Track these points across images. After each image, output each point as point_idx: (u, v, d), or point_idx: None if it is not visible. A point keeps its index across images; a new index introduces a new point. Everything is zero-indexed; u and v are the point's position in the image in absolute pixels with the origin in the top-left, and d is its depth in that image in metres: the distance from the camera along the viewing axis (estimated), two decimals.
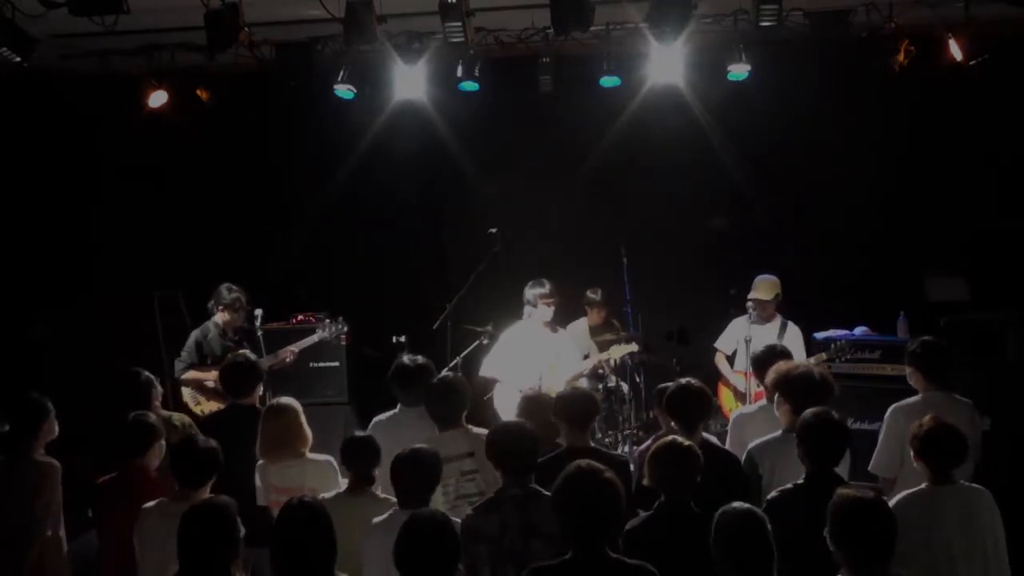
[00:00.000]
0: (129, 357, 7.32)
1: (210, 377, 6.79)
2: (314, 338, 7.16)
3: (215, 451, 4.38)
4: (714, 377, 7.10)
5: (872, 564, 3.39)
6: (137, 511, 4.35)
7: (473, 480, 4.70)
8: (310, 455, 4.87)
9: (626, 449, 6.93)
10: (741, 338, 6.82)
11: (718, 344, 7.17)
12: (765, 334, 6.66)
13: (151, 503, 4.34)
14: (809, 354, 6.72)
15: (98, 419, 5.30)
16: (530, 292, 6.99)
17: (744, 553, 3.40)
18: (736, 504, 3.53)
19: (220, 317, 6.95)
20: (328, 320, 7.27)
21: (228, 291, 6.96)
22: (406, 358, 5.35)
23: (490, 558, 3.93)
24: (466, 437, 4.87)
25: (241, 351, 6.24)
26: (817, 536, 3.52)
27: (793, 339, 6.76)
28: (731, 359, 7.09)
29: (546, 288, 6.95)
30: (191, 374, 6.85)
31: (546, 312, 6.96)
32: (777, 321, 6.89)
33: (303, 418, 4.94)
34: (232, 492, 3.90)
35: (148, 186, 8.44)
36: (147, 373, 5.65)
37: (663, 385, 5.15)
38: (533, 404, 5.11)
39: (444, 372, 7.08)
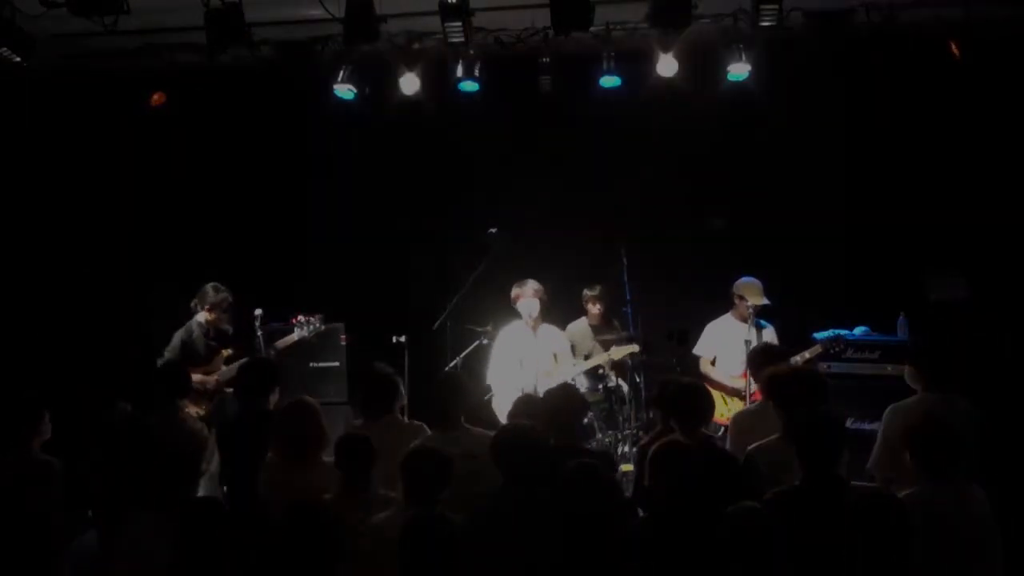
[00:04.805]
0: (127, 354, 7.39)
1: (196, 379, 6.77)
2: (293, 337, 7.14)
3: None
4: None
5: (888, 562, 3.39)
6: None
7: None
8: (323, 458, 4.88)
9: (626, 449, 6.93)
10: (728, 340, 6.84)
11: (700, 351, 7.17)
12: (747, 334, 6.71)
13: None
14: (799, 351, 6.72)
15: (98, 416, 5.31)
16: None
17: (751, 552, 3.40)
18: (742, 504, 3.54)
19: (204, 316, 6.92)
20: (304, 319, 7.23)
21: (215, 291, 6.94)
22: (376, 367, 5.38)
23: None
24: (468, 437, 4.86)
25: (260, 354, 6.37)
26: (811, 537, 3.52)
27: (769, 338, 6.81)
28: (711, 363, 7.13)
29: (521, 288, 7.10)
30: None
31: (523, 309, 7.04)
32: (752, 321, 6.91)
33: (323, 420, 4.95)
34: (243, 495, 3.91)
35: (148, 185, 8.44)
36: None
37: (662, 381, 5.14)
38: (527, 406, 5.08)
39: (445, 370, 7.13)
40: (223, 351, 6.94)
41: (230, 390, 6.55)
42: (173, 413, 5.62)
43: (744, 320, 6.89)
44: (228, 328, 7.02)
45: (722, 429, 6.37)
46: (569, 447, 4.69)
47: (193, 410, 6.77)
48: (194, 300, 6.97)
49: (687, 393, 4.82)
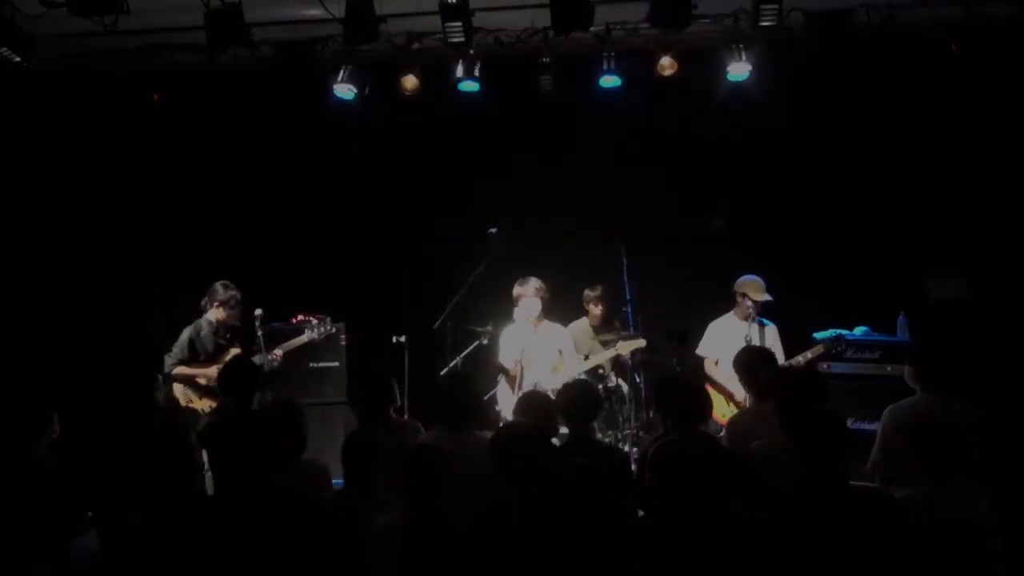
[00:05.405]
0: (126, 354, 7.39)
1: (201, 374, 6.80)
2: (303, 339, 7.17)
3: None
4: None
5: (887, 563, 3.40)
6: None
7: None
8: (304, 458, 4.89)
9: (626, 449, 6.93)
10: (731, 339, 6.84)
11: (703, 352, 7.16)
12: (754, 334, 6.72)
13: None
14: (800, 351, 6.73)
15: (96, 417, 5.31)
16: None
17: (750, 552, 3.40)
18: (741, 504, 3.54)
19: (214, 314, 6.96)
20: (315, 320, 7.26)
21: (224, 288, 6.98)
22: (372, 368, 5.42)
23: None
24: (475, 438, 4.86)
25: (261, 353, 6.44)
26: (811, 538, 3.52)
27: (772, 336, 6.80)
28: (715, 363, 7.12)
29: (523, 286, 7.09)
30: (181, 370, 6.85)
31: (525, 307, 7.05)
32: (754, 319, 6.92)
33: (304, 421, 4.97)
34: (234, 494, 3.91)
35: (148, 185, 8.44)
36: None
37: (659, 380, 5.16)
38: (530, 401, 5.11)
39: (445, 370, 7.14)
40: (231, 349, 6.97)
41: None
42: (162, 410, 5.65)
43: (746, 318, 6.89)
44: (238, 325, 7.06)
45: (724, 429, 6.38)
46: (583, 443, 4.72)
47: (199, 405, 6.80)
48: (204, 299, 7.01)
49: (682, 393, 4.82)
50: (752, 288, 6.88)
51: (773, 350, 6.38)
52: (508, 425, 4.59)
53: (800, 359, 6.60)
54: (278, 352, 7.01)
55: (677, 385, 4.92)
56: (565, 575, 3.48)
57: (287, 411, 4.94)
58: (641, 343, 7.02)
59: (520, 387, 6.85)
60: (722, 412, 6.78)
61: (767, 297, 6.84)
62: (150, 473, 4.34)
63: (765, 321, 6.91)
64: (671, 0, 6.23)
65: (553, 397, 5.21)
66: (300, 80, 7.70)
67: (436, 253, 8.32)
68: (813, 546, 3.66)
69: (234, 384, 5.55)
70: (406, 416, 6.38)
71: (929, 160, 7.79)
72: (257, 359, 6.85)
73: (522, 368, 6.94)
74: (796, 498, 4.02)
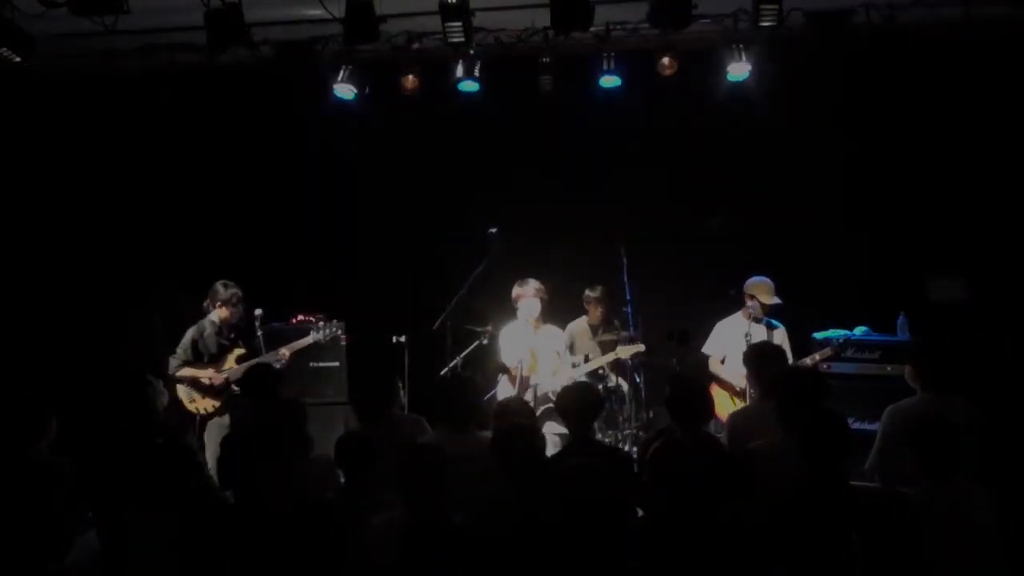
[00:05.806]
0: (126, 354, 7.38)
1: (205, 375, 6.81)
2: (308, 340, 7.18)
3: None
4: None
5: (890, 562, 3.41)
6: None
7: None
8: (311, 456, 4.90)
9: (626, 449, 6.93)
10: (737, 339, 6.84)
11: (709, 350, 7.16)
12: (758, 334, 6.71)
13: None
14: (806, 353, 6.73)
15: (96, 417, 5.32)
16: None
17: (750, 552, 3.40)
18: (742, 504, 3.54)
19: (217, 314, 6.98)
20: (322, 322, 7.28)
21: (224, 287, 7.00)
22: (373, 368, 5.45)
23: None
24: (476, 439, 4.86)
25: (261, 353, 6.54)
26: (813, 537, 3.52)
27: (781, 338, 6.80)
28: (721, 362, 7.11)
29: (522, 287, 7.10)
30: (186, 371, 6.87)
31: (524, 308, 7.05)
32: (763, 320, 6.92)
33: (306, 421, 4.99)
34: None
35: (148, 185, 8.44)
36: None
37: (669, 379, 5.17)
38: (509, 408, 5.10)
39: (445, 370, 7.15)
40: (236, 349, 6.98)
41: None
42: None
43: (756, 320, 6.87)
44: (242, 325, 7.08)
45: (724, 426, 6.38)
46: (584, 443, 4.72)
47: (200, 405, 6.80)
48: (206, 300, 7.02)
49: (685, 393, 4.83)
50: (761, 290, 6.88)
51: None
52: (508, 425, 4.58)
53: (808, 361, 6.61)
54: (284, 352, 7.01)
55: (680, 385, 4.92)
56: (565, 575, 3.48)
57: (290, 410, 4.95)
58: (640, 348, 7.01)
59: (525, 389, 6.86)
60: (726, 410, 6.78)
61: (776, 300, 6.85)
62: (150, 473, 4.36)
63: (775, 323, 6.91)
64: (671, 0, 6.24)
65: (553, 399, 5.22)
66: (300, 80, 7.71)
67: (436, 253, 8.33)
68: (813, 546, 3.66)
69: (258, 386, 5.58)
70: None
71: (929, 160, 7.78)
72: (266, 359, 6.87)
73: (522, 370, 6.94)
74: (796, 498, 4.02)
